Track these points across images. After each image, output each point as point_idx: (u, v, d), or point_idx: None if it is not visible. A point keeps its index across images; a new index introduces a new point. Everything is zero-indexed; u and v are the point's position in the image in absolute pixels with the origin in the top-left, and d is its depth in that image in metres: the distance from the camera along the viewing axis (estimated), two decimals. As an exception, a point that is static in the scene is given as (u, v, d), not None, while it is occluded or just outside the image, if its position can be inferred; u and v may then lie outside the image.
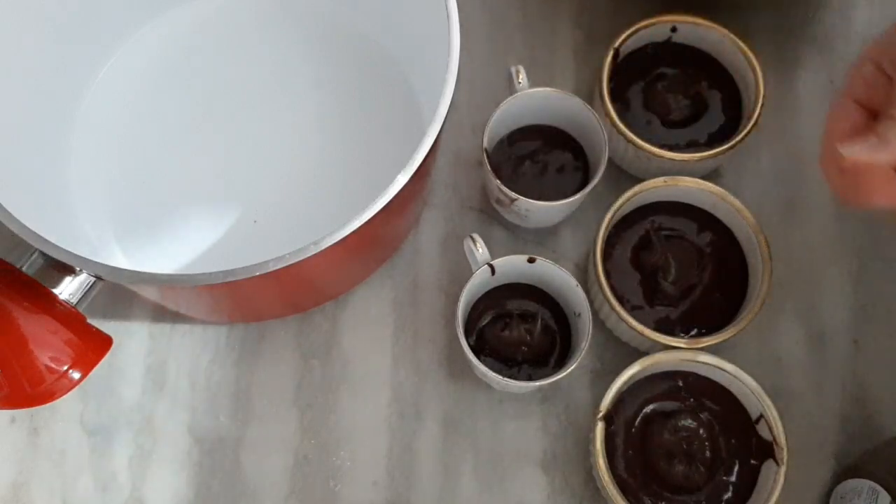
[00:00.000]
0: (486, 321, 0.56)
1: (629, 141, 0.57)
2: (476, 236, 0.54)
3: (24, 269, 0.46)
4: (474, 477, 0.56)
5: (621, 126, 0.57)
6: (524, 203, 0.55)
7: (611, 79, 0.58)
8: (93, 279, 0.46)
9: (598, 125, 0.56)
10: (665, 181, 0.56)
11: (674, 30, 0.60)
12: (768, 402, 0.52)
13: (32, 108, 0.55)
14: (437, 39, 0.49)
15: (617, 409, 0.53)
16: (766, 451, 0.52)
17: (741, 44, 0.58)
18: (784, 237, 0.59)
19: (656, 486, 0.53)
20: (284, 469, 0.56)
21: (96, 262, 0.45)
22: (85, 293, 0.47)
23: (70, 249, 0.45)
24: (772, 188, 0.61)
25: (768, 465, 0.52)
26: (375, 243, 0.55)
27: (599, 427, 0.52)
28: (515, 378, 0.54)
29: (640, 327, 0.54)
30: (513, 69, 0.57)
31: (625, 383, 0.53)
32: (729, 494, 0.53)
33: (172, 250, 0.57)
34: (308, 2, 0.62)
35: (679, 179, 0.56)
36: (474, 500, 0.55)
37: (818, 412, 0.57)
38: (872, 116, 0.46)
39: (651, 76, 0.60)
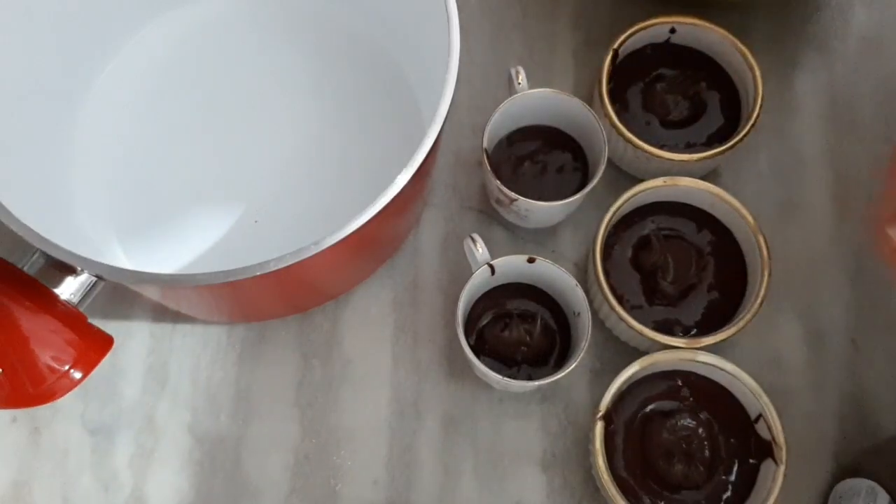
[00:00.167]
0: (485, 321, 0.56)
1: (628, 141, 0.57)
2: (476, 236, 0.55)
3: (25, 268, 0.46)
4: (474, 476, 0.56)
5: (620, 126, 0.57)
6: (524, 203, 0.55)
7: (610, 79, 0.59)
8: (94, 279, 0.46)
9: (598, 126, 0.56)
10: (664, 181, 0.56)
11: (673, 31, 0.60)
12: (767, 401, 0.52)
13: (33, 109, 0.55)
14: (437, 40, 0.49)
15: (616, 408, 0.54)
16: (765, 450, 0.53)
17: (740, 44, 0.58)
18: (783, 237, 0.60)
19: (656, 486, 0.53)
20: (285, 468, 0.56)
21: (97, 262, 0.45)
22: (86, 293, 0.47)
23: (71, 249, 0.45)
24: (771, 188, 0.61)
25: (767, 465, 0.52)
26: (375, 243, 0.55)
27: (599, 426, 0.52)
28: (515, 378, 0.54)
29: (639, 327, 0.54)
30: (512, 70, 0.57)
31: (624, 383, 0.53)
32: (728, 494, 0.53)
33: (173, 250, 0.57)
34: (308, 3, 0.62)
35: (678, 179, 0.56)
36: (474, 500, 0.55)
37: (817, 412, 0.57)
38: None
39: (650, 77, 0.60)
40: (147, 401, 0.57)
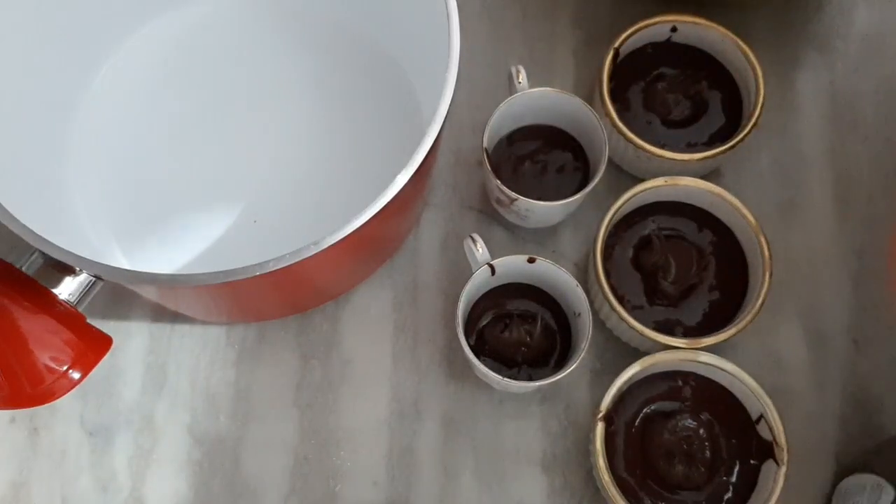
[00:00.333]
0: (486, 321, 0.56)
1: (629, 141, 0.57)
2: (476, 236, 0.54)
3: (23, 268, 0.46)
4: (474, 477, 0.56)
5: (621, 126, 0.57)
6: (524, 203, 0.55)
7: (611, 79, 0.58)
8: (93, 279, 0.46)
9: (598, 125, 0.55)
10: (665, 181, 0.56)
11: (674, 30, 0.60)
12: (768, 402, 0.52)
13: (32, 109, 0.55)
14: (437, 39, 0.49)
15: (617, 409, 0.53)
16: (767, 451, 0.52)
17: (741, 44, 0.58)
18: (784, 237, 0.59)
19: (656, 486, 0.53)
20: (284, 469, 0.56)
21: (96, 262, 0.45)
22: (85, 293, 0.47)
23: (70, 249, 0.45)
24: (772, 188, 0.61)
25: (768, 465, 0.52)
26: (375, 243, 0.55)
27: (599, 427, 0.52)
28: (515, 378, 0.54)
29: (640, 327, 0.53)
30: (513, 69, 0.57)
31: (625, 383, 0.53)
32: (729, 494, 0.53)
33: (172, 250, 0.57)
34: (307, 2, 0.62)
35: (679, 179, 0.56)
36: (474, 500, 0.55)
37: (818, 412, 0.57)
38: None
39: (651, 76, 0.60)
40: (146, 401, 0.57)
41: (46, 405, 0.47)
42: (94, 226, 0.58)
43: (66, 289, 0.46)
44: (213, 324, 0.58)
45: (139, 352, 0.58)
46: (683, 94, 0.59)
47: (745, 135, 0.57)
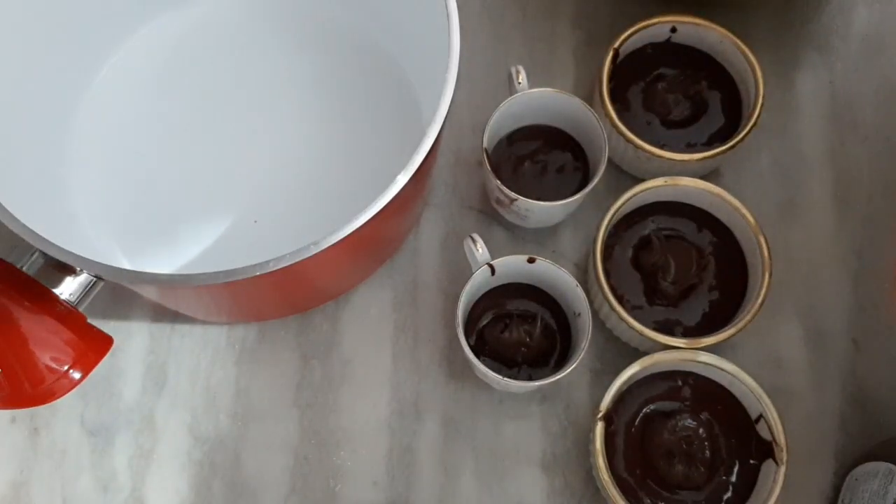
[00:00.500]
0: (486, 321, 0.56)
1: (629, 141, 0.57)
2: (476, 236, 0.54)
3: (24, 268, 0.46)
4: (474, 477, 0.56)
5: (621, 126, 0.57)
6: (524, 203, 0.55)
7: (611, 79, 0.58)
8: (93, 279, 0.46)
9: (598, 125, 0.56)
10: (665, 181, 0.56)
11: (673, 30, 0.60)
12: (768, 401, 0.52)
13: (32, 109, 0.55)
14: (437, 39, 0.49)
15: (617, 408, 0.54)
16: (766, 450, 0.52)
17: (741, 44, 0.58)
18: (784, 237, 0.59)
19: (656, 486, 0.53)
20: (284, 469, 0.56)
21: (97, 263, 0.45)
22: (85, 293, 0.47)
23: (70, 249, 0.45)
24: (771, 188, 0.61)
25: (768, 465, 0.52)
26: (375, 243, 0.55)
27: (599, 427, 0.52)
28: (515, 378, 0.54)
29: (639, 327, 0.54)
30: (513, 69, 0.57)
31: (625, 383, 0.53)
32: (729, 494, 0.53)
33: (172, 250, 0.57)
34: (307, 2, 0.62)
35: (679, 179, 0.56)
36: (474, 500, 0.55)
37: (818, 412, 0.57)
38: None
39: (651, 76, 0.60)
40: (146, 401, 0.57)
41: (47, 405, 0.48)
42: (94, 226, 0.58)
43: (67, 289, 0.46)
44: (214, 324, 0.58)
45: (139, 352, 0.58)
46: (683, 94, 0.59)
47: (745, 135, 0.57)
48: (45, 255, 0.45)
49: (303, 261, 0.44)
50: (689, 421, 0.53)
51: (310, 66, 0.61)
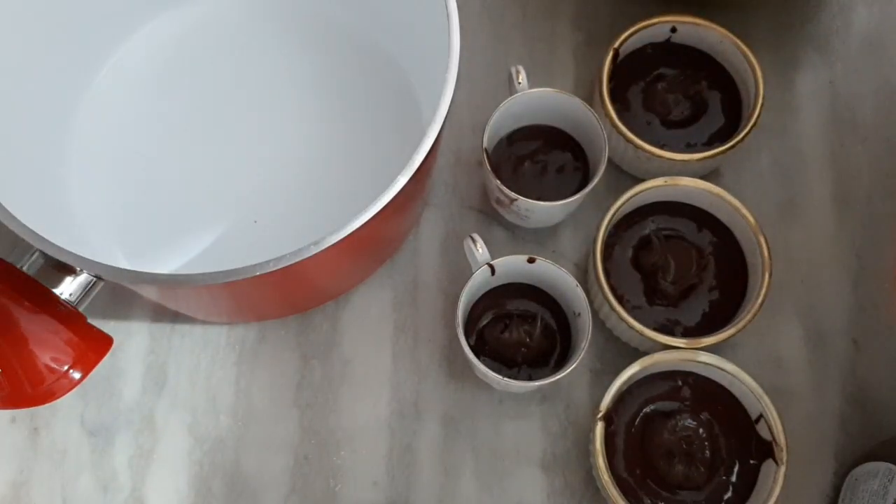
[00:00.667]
0: (486, 321, 0.56)
1: (629, 141, 0.57)
2: (476, 236, 0.54)
3: (24, 268, 0.46)
4: (474, 477, 0.56)
5: (621, 126, 0.57)
6: (524, 203, 0.55)
7: (610, 79, 0.58)
8: (93, 279, 0.46)
9: (598, 125, 0.56)
10: (665, 181, 0.56)
11: (673, 30, 0.60)
12: (768, 401, 0.52)
13: (32, 108, 0.55)
14: (437, 39, 0.49)
15: (617, 408, 0.54)
16: (766, 450, 0.52)
17: (741, 44, 0.58)
18: (784, 237, 0.60)
19: (656, 486, 0.53)
20: (284, 469, 0.56)
21: (97, 262, 0.45)
22: (85, 293, 0.47)
23: (70, 249, 0.45)
24: (771, 188, 0.61)
25: (768, 465, 0.52)
26: (375, 243, 0.55)
27: (599, 427, 0.52)
28: (515, 378, 0.54)
29: (639, 327, 0.54)
30: (513, 69, 0.57)
31: (624, 383, 0.53)
32: (729, 494, 0.53)
33: (172, 250, 0.57)
34: (307, 2, 0.62)
35: (679, 179, 0.56)
36: (474, 500, 0.55)
37: (818, 412, 0.57)
38: None
39: (651, 76, 0.60)
40: (146, 401, 0.57)
41: (47, 405, 0.47)
42: (95, 226, 0.58)
43: (67, 289, 0.46)
44: (214, 324, 0.58)
45: (139, 352, 0.58)
46: (683, 94, 0.59)
47: (745, 135, 0.57)
48: (45, 255, 0.45)
49: (303, 261, 0.44)
50: (689, 421, 0.53)
51: (310, 66, 0.61)
